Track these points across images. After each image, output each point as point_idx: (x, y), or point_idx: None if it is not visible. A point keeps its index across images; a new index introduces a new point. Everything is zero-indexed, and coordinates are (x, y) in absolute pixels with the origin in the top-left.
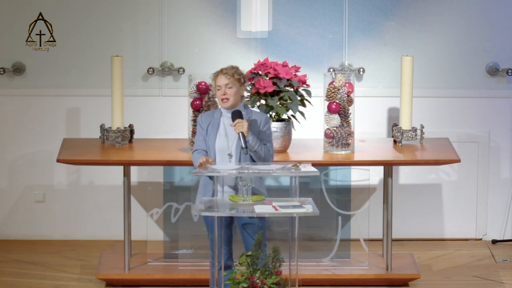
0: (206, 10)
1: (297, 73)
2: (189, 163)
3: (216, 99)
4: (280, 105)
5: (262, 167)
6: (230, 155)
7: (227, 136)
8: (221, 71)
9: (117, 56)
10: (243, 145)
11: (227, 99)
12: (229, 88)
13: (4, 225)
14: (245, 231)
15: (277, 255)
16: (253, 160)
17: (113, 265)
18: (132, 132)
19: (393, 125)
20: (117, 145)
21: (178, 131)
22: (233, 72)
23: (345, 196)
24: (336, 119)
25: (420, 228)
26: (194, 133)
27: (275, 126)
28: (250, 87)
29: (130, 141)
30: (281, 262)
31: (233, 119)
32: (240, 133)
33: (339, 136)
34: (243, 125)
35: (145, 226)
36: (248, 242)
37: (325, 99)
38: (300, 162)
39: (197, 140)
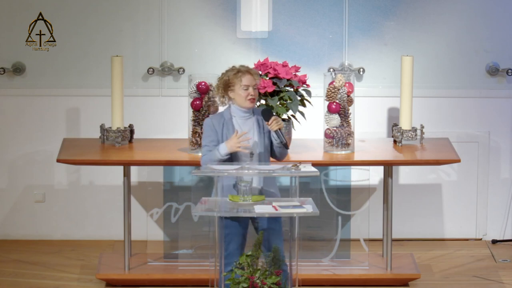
0: (206, 10)
1: (297, 73)
2: (189, 163)
3: (234, 97)
4: (280, 105)
5: (262, 167)
6: (251, 154)
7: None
8: (249, 72)
9: (117, 56)
10: (284, 141)
11: (254, 99)
12: (255, 89)
13: (4, 225)
14: (267, 236)
15: (277, 255)
16: (271, 157)
17: (113, 265)
18: (132, 132)
19: (393, 125)
20: (117, 145)
21: (178, 131)
22: (257, 74)
23: (345, 196)
24: (336, 119)
25: (420, 228)
26: (194, 133)
27: None
28: None
29: (130, 141)
30: (281, 262)
31: (267, 117)
32: (279, 130)
33: (339, 136)
34: (279, 121)
35: (145, 226)
36: (267, 247)
37: (325, 99)
38: (300, 162)
39: (209, 144)
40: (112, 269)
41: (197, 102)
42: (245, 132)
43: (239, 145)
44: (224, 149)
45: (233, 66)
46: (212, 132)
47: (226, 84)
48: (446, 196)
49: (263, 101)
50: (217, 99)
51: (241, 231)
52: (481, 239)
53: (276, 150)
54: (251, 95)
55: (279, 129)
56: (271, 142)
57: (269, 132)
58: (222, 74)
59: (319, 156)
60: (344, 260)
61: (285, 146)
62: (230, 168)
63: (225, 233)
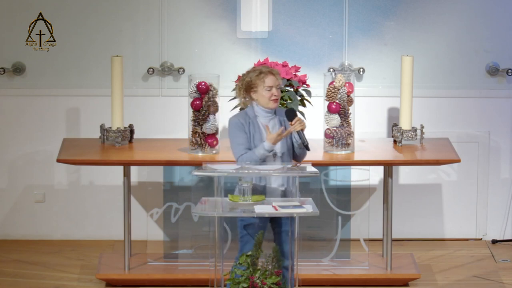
0: (206, 10)
1: (297, 73)
2: (189, 163)
3: (257, 98)
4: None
5: (262, 167)
6: (275, 155)
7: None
8: (271, 72)
9: (117, 56)
10: (305, 142)
11: (278, 99)
12: (277, 89)
13: (4, 225)
14: (285, 237)
15: (277, 255)
16: (294, 158)
17: (113, 265)
18: (132, 132)
19: (393, 125)
20: (117, 145)
21: (178, 131)
22: (279, 74)
23: (345, 196)
24: (336, 119)
25: (420, 228)
26: (194, 133)
27: None
28: None
29: (130, 141)
30: (281, 262)
31: (291, 118)
32: (301, 131)
33: (339, 136)
34: (302, 122)
35: (145, 226)
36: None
37: (325, 99)
38: (300, 162)
39: (244, 142)
40: (112, 269)
41: (197, 102)
42: (283, 128)
43: (280, 136)
44: (268, 145)
45: (254, 67)
46: (242, 130)
47: (249, 85)
48: (446, 196)
49: None
50: (238, 100)
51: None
52: (481, 239)
53: (296, 151)
54: (275, 95)
55: (302, 130)
56: (292, 143)
57: (291, 132)
58: (243, 75)
59: (319, 156)
60: (344, 260)
61: (306, 147)
62: (230, 168)
63: (242, 234)
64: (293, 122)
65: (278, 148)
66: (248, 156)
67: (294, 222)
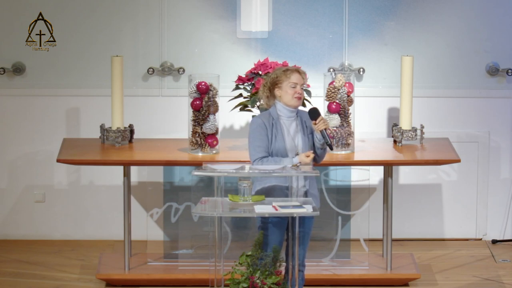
0: (206, 10)
1: None
2: (189, 163)
3: (280, 95)
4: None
5: (262, 167)
6: (297, 155)
7: (290, 136)
8: (298, 71)
9: (117, 56)
10: (328, 141)
11: (301, 98)
12: (302, 88)
13: (4, 225)
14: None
15: (277, 255)
16: (314, 160)
17: (113, 265)
18: (132, 132)
19: (393, 125)
20: (117, 145)
21: (178, 131)
22: (305, 74)
23: (345, 196)
24: (336, 119)
25: (420, 228)
26: (194, 133)
27: None
28: (250, 87)
29: (130, 141)
30: (281, 262)
31: (314, 117)
32: (324, 130)
33: (339, 136)
34: (325, 121)
35: (145, 226)
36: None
37: (325, 99)
38: (300, 162)
39: (263, 145)
40: (112, 269)
41: (197, 102)
42: (312, 152)
43: (311, 159)
44: (297, 161)
45: (281, 66)
46: (264, 132)
47: (274, 81)
48: (446, 196)
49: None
50: (262, 100)
51: (280, 233)
52: (481, 239)
53: (317, 151)
54: (298, 93)
55: (325, 129)
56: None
57: (313, 133)
58: (269, 73)
59: None
60: (344, 260)
61: (330, 146)
62: (230, 168)
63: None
64: (316, 121)
65: (300, 148)
66: (271, 163)
67: (307, 222)
